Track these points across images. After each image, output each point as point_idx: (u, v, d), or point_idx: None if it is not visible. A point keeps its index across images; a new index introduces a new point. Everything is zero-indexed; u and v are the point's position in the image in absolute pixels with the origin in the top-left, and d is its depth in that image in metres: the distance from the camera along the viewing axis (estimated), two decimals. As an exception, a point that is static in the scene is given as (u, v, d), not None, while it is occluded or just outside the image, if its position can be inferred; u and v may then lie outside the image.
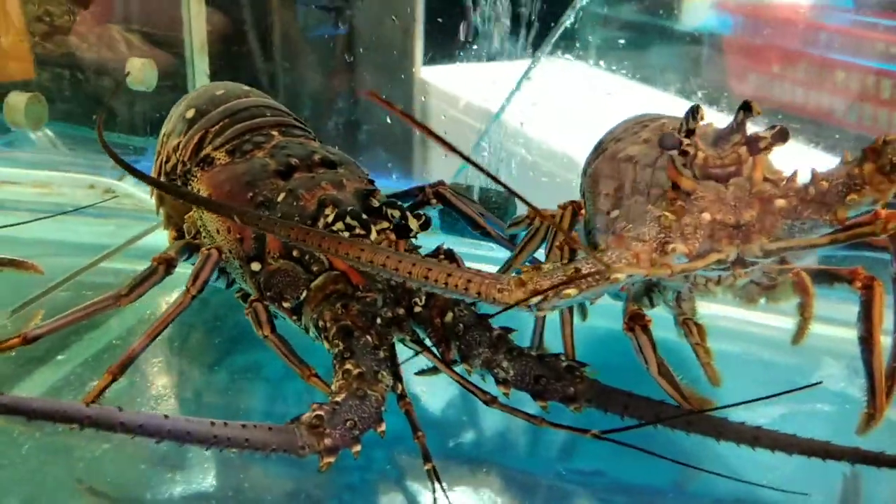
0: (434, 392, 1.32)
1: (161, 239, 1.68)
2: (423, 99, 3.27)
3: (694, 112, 1.04)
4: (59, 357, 1.37)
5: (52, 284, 1.52)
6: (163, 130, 1.60)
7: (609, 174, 1.25)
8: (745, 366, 1.47)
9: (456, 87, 3.12)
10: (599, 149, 1.43)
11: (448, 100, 3.22)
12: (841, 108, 2.35)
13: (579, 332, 1.30)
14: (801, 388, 1.04)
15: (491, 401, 1.14)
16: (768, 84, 2.55)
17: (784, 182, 1.03)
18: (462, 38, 2.72)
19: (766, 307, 1.31)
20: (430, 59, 3.14)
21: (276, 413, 1.34)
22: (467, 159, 0.80)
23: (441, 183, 1.50)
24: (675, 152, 1.05)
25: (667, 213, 0.98)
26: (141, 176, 1.20)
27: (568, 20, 2.63)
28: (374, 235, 1.18)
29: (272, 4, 2.93)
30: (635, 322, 1.13)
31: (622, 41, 2.81)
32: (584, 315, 1.44)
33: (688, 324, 1.13)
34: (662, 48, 2.68)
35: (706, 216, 1.00)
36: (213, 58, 2.38)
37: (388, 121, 3.15)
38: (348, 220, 1.19)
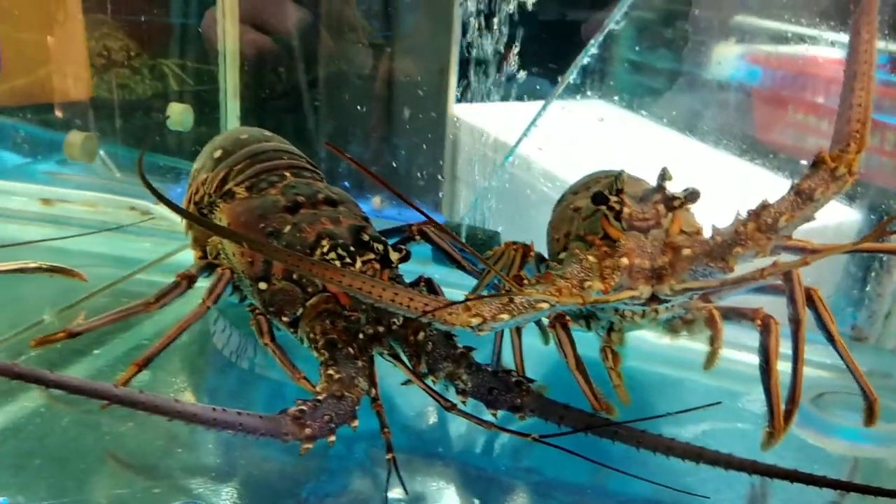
0: (408, 399, 1.54)
1: (188, 257, 1.94)
2: (454, 134, 3.51)
3: (619, 177, 1.27)
4: (96, 351, 1.63)
5: (94, 290, 1.78)
6: (194, 166, 1.87)
7: (560, 223, 1.48)
8: (681, 389, 1.67)
9: (484, 124, 3.36)
10: (561, 201, 1.67)
11: (476, 135, 3.46)
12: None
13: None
14: (704, 406, 1.25)
15: (451, 407, 1.35)
16: (792, 133, 2.71)
17: (694, 235, 1.25)
18: (492, 78, 2.93)
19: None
20: (462, 97, 3.38)
21: (276, 408, 1.58)
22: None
23: (428, 222, 1.73)
24: (604, 207, 1.27)
25: (588, 257, 1.21)
26: (168, 204, 1.45)
27: (570, 76, 2.84)
28: (358, 264, 1.42)
29: (319, 38, 3.21)
30: (557, 321, 1.35)
31: (653, 86, 3.02)
32: (546, 340, 1.66)
33: (605, 351, 1.35)
34: (692, 95, 2.89)
35: (624, 260, 1.22)
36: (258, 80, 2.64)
37: (421, 159, 3.41)
38: (339, 251, 1.43)
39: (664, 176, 1.25)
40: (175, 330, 1.41)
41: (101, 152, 3.10)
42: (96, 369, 1.59)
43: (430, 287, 1.57)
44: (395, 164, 3.36)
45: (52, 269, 1.71)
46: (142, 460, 1.33)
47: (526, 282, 1.27)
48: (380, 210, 3.19)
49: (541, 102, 2.87)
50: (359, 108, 3.35)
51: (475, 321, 1.15)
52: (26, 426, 1.36)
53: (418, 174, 3.34)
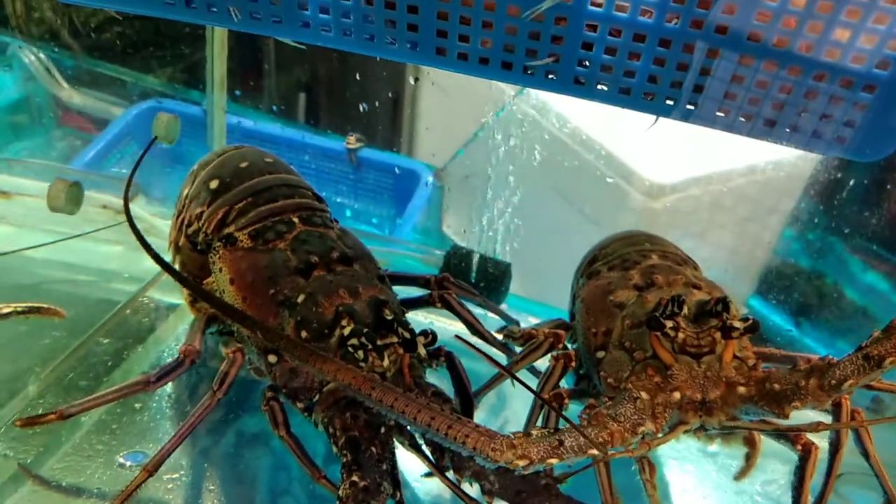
0: (429, 491, 1.49)
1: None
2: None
3: (680, 303, 1.20)
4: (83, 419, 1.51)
5: (75, 346, 1.62)
6: (184, 191, 1.69)
7: (598, 314, 1.39)
8: (699, 461, 1.66)
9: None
10: (591, 268, 1.58)
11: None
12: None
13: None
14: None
15: (475, 507, 1.31)
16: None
17: (749, 368, 1.20)
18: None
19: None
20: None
21: (280, 482, 1.51)
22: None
23: (445, 278, 1.62)
24: (659, 333, 1.20)
25: (642, 394, 1.15)
26: (182, 280, 1.31)
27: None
28: (386, 362, 1.31)
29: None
30: None
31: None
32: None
33: (641, 462, 1.32)
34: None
35: (676, 395, 1.17)
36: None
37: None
38: (363, 339, 1.32)
39: (727, 307, 1.18)
40: (186, 427, 1.29)
41: (43, 57, 2.81)
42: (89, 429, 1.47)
43: (451, 364, 1.48)
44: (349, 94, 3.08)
45: (29, 311, 1.55)
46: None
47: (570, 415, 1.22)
48: (355, 149, 3.04)
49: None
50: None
51: (521, 463, 1.09)
52: None
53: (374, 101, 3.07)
